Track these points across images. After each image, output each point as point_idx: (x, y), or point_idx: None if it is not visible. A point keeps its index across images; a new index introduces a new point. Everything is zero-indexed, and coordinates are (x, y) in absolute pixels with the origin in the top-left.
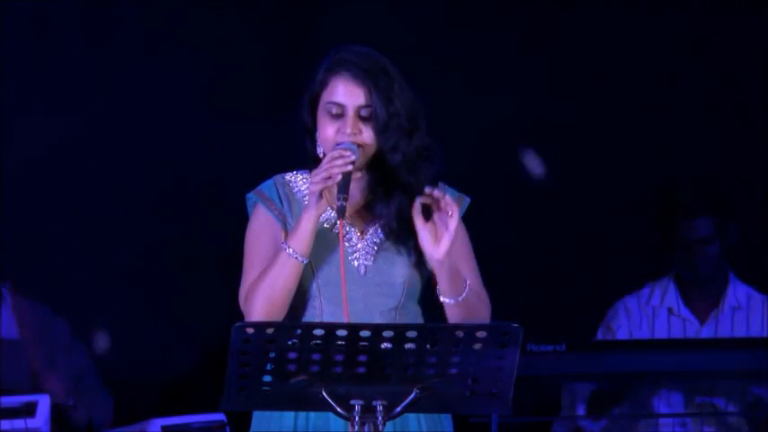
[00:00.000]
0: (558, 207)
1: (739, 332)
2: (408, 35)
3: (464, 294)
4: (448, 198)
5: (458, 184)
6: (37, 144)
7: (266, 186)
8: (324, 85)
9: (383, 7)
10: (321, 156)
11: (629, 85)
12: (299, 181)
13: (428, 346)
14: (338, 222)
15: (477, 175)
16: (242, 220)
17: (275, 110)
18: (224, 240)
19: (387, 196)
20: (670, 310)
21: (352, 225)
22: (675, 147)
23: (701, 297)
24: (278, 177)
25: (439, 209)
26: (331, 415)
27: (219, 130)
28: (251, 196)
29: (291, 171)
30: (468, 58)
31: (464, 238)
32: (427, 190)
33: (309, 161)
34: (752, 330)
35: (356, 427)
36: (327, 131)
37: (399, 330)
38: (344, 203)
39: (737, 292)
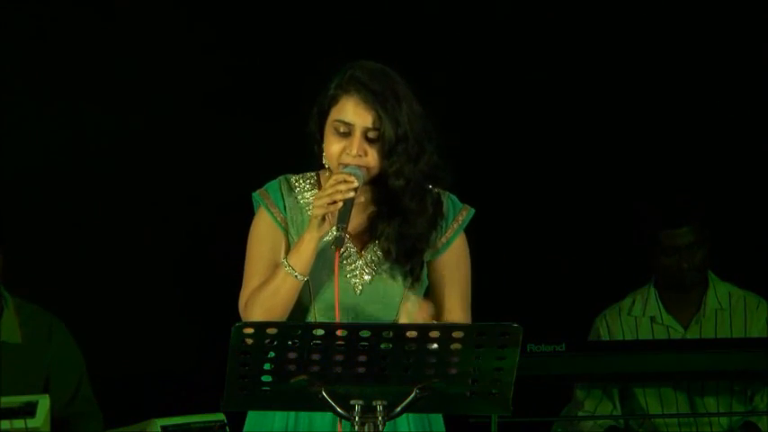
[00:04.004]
0: (559, 207)
1: (723, 333)
2: (409, 36)
3: None
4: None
5: (458, 185)
6: (36, 146)
7: (271, 188)
8: (334, 101)
9: (386, 12)
10: (326, 167)
11: (632, 86)
12: (304, 186)
13: (428, 346)
14: (337, 248)
15: (477, 176)
16: (242, 221)
17: (276, 111)
18: (224, 241)
19: (388, 217)
20: (653, 319)
21: (351, 242)
22: (673, 148)
23: (683, 303)
24: (283, 179)
25: None
26: (318, 413)
27: (218, 131)
28: (256, 196)
29: (298, 173)
30: (464, 58)
31: (461, 258)
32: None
33: (316, 164)
34: (735, 330)
35: (356, 427)
36: (333, 149)
37: (399, 330)
38: (343, 234)
39: (718, 293)
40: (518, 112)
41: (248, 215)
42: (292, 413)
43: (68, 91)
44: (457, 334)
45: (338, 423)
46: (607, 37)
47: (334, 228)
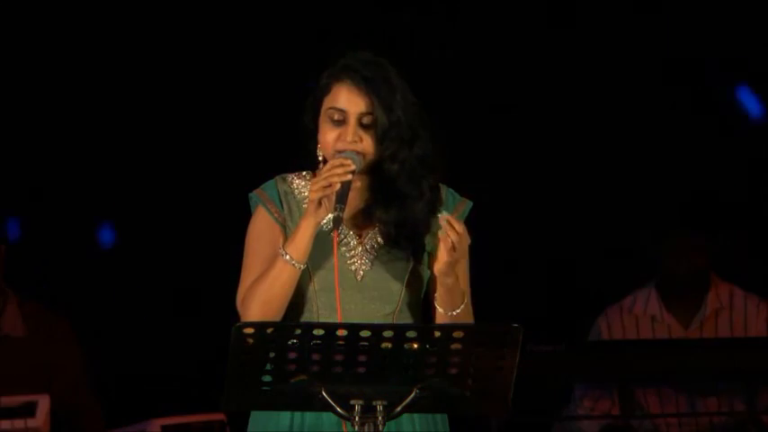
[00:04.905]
0: (560, 207)
1: (723, 333)
2: (407, 33)
3: (459, 310)
4: (453, 229)
5: (459, 183)
6: (36, 145)
7: (268, 187)
8: (327, 90)
9: (386, 10)
10: (321, 159)
11: (633, 85)
12: (300, 183)
13: (428, 346)
14: (335, 228)
15: (478, 174)
16: (242, 219)
17: (275, 109)
18: (225, 240)
19: (386, 202)
20: (653, 318)
21: (350, 229)
22: (675, 148)
23: (684, 302)
24: (279, 178)
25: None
26: (325, 413)
27: (218, 131)
28: (253, 195)
29: (293, 171)
30: (464, 57)
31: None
32: (441, 218)
33: (311, 162)
34: (735, 329)
35: (356, 427)
36: (328, 137)
37: (399, 330)
38: (341, 214)
39: (720, 293)
40: (519, 111)
41: (249, 215)
42: (298, 412)
43: (68, 90)
44: (457, 334)
45: (342, 422)
46: (619, 34)
47: (331, 212)
